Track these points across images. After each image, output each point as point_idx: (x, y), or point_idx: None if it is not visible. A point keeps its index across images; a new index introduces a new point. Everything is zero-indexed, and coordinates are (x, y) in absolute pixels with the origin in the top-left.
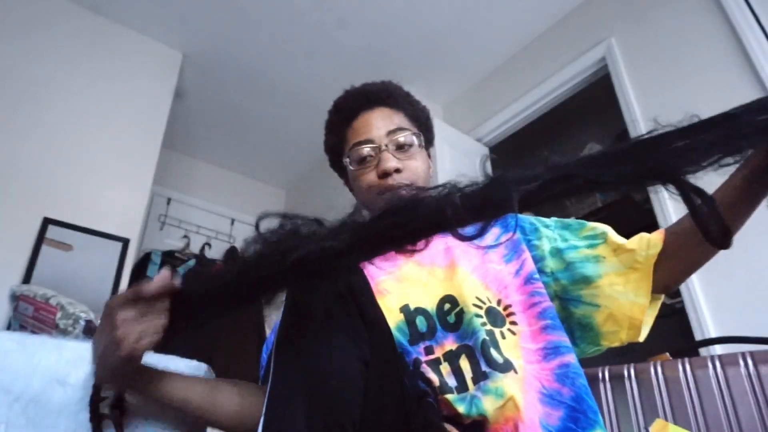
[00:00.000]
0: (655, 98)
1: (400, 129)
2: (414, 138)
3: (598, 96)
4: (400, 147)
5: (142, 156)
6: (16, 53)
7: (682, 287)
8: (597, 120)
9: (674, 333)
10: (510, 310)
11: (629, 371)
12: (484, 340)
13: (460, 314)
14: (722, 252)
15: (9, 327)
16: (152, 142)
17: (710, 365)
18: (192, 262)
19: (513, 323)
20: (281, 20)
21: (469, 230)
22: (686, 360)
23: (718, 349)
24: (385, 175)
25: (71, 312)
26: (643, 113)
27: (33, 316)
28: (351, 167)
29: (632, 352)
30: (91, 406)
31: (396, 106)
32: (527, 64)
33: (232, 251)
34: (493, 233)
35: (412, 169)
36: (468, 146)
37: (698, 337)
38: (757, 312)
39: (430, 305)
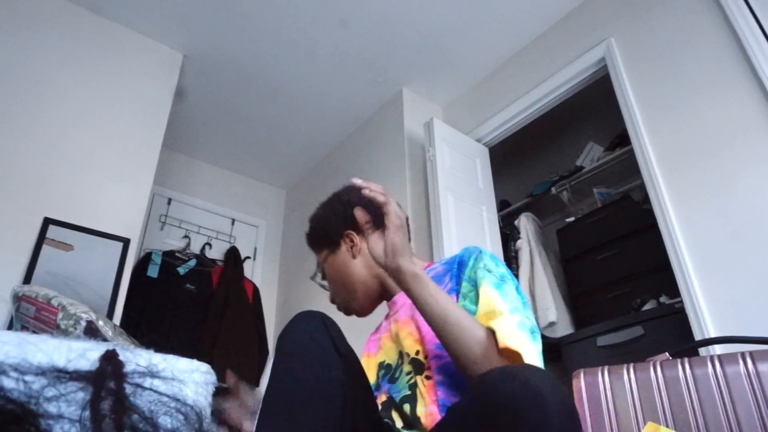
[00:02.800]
0: (655, 98)
1: (314, 274)
2: (316, 268)
3: (598, 96)
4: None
5: (142, 156)
6: (16, 54)
7: (682, 287)
8: (597, 120)
9: (674, 333)
10: (427, 362)
11: (629, 371)
12: (402, 397)
13: (401, 371)
14: (722, 252)
15: (11, 327)
16: (153, 142)
17: (710, 365)
18: (193, 262)
19: (428, 377)
20: (281, 21)
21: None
22: (686, 360)
23: (718, 349)
24: None
25: (72, 312)
26: (643, 113)
27: (35, 317)
28: None
29: (632, 352)
30: (92, 406)
31: (314, 250)
32: (527, 64)
33: (232, 251)
34: (444, 284)
35: (332, 290)
36: (468, 146)
37: (698, 337)
38: (756, 312)
39: (393, 360)
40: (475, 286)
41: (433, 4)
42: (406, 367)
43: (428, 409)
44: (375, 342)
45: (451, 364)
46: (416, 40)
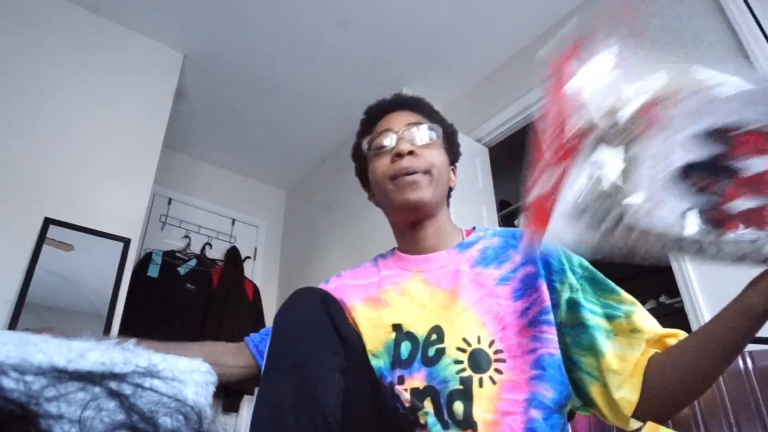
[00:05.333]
0: None
1: (420, 123)
2: (433, 133)
3: None
4: (419, 140)
5: (143, 156)
6: (16, 54)
7: (681, 287)
8: None
9: None
10: (501, 355)
11: None
12: (452, 392)
13: (441, 352)
14: None
15: (11, 327)
16: (153, 142)
17: None
18: (193, 262)
19: (498, 371)
20: (281, 21)
21: (487, 255)
22: None
23: None
24: (398, 156)
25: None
26: None
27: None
28: (368, 154)
29: None
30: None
31: (422, 111)
32: (527, 64)
33: (232, 251)
34: (513, 261)
35: (428, 157)
36: (468, 146)
37: None
38: None
39: (422, 331)
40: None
41: (433, 4)
42: (453, 352)
43: (493, 417)
44: (365, 291)
45: (547, 356)
46: (416, 40)
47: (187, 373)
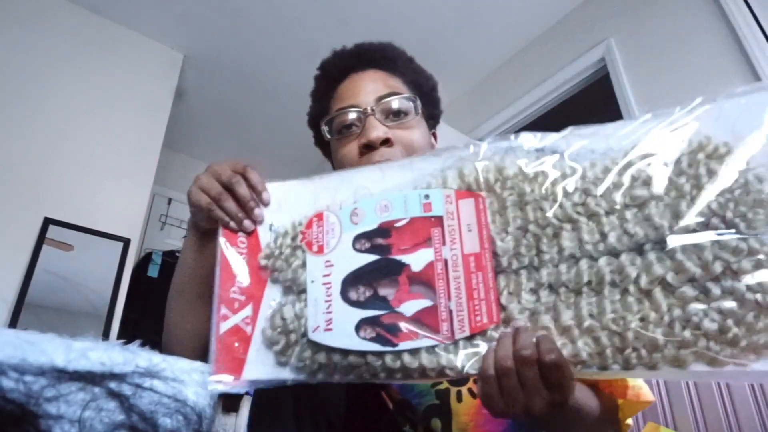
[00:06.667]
0: (655, 98)
1: (394, 93)
2: (411, 104)
3: (597, 96)
4: (394, 114)
5: (143, 156)
6: (16, 53)
7: None
8: (596, 120)
9: None
10: None
11: None
12: (430, 407)
13: None
14: None
15: (11, 327)
16: (153, 142)
17: None
18: None
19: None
20: (281, 20)
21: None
22: None
23: None
24: (368, 147)
25: None
26: (642, 114)
27: None
28: (330, 137)
29: None
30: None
31: (393, 69)
32: (527, 64)
33: None
34: None
35: (406, 142)
36: None
37: None
38: None
39: None
40: None
41: (432, 4)
42: None
43: None
44: None
45: None
46: (416, 40)
47: (187, 373)
